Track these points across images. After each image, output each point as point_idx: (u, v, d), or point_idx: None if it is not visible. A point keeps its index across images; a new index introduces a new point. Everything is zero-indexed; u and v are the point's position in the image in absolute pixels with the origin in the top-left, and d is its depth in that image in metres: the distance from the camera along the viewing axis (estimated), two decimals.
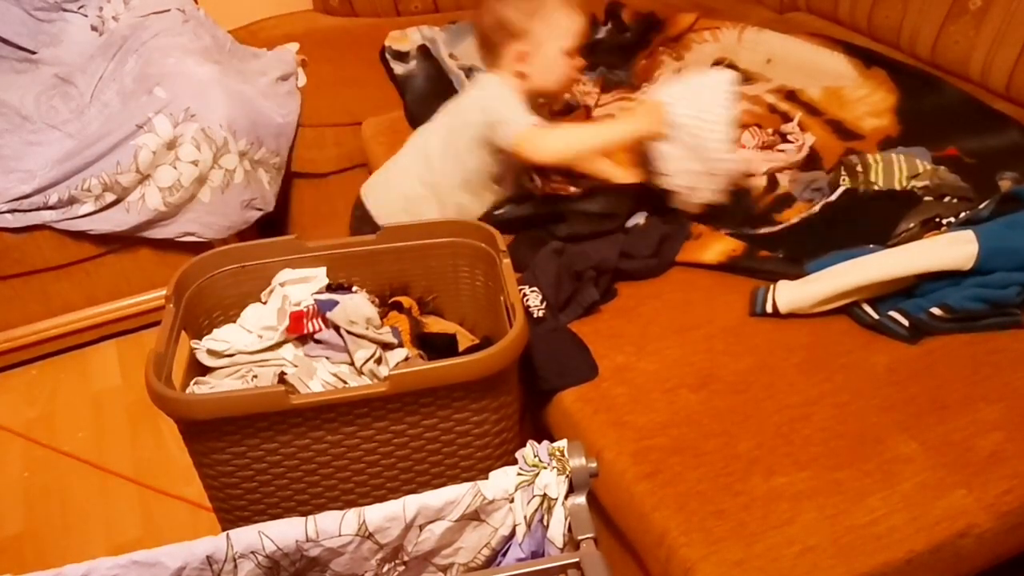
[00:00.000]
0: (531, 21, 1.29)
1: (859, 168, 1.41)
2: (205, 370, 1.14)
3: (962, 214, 1.28)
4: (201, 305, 1.16)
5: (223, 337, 1.14)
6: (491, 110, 1.29)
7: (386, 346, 1.11)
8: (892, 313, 1.15)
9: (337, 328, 1.11)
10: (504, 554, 0.90)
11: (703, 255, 1.29)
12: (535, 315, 1.19)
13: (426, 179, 1.38)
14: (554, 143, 1.28)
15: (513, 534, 0.87)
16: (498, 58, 1.34)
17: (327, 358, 1.10)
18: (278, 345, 1.13)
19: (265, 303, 1.19)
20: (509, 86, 1.32)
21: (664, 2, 2.14)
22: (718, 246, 1.29)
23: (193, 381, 1.10)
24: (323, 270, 1.20)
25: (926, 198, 1.33)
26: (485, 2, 1.33)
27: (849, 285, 1.15)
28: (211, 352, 1.13)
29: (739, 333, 1.17)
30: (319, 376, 1.07)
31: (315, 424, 1.00)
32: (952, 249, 1.15)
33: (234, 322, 1.19)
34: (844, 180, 1.42)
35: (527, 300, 1.19)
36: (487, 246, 1.20)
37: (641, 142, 1.32)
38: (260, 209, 1.82)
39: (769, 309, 1.18)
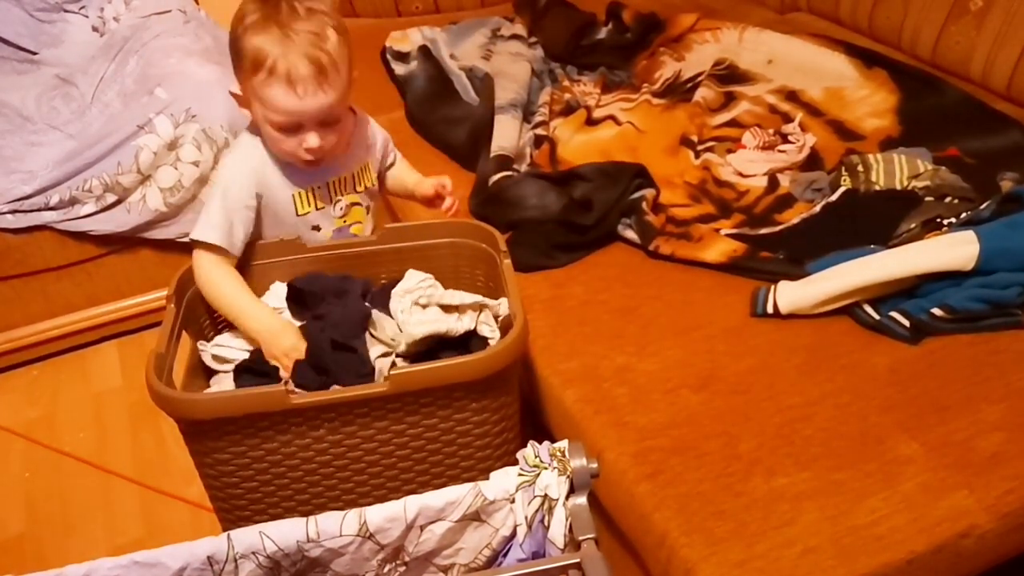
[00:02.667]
0: (238, 63, 1.06)
1: (860, 168, 1.41)
2: (212, 371, 1.15)
3: (963, 214, 1.28)
4: (202, 306, 1.16)
5: (228, 343, 1.14)
6: (211, 186, 1.15)
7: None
8: (893, 314, 1.15)
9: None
10: (505, 555, 0.90)
11: (704, 254, 1.29)
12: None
13: None
14: (207, 279, 1.10)
15: (514, 535, 0.87)
16: None
17: None
18: None
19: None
20: (259, 147, 1.12)
21: (665, 3, 2.14)
22: (719, 247, 1.29)
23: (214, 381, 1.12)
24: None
25: (927, 198, 1.33)
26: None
27: (850, 286, 1.15)
28: (216, 358, 1.13)
29: (740, 334, 1.17)
30: None
31: (315, 424, 1.00)
32: (953, 249, 1.15)
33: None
34: (845, 180, 1.42)
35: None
36: (487, 246, 1.20)
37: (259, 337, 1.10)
38: None
39: (770, 310, 1.18)
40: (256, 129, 1.13)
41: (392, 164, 1.33)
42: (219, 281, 1.11)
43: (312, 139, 1.06)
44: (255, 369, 1.09)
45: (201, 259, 1.11)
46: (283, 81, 1.02)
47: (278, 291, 1.18)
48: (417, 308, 1.10)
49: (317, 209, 1.17)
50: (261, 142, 1.13)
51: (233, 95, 1.10)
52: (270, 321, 1.10)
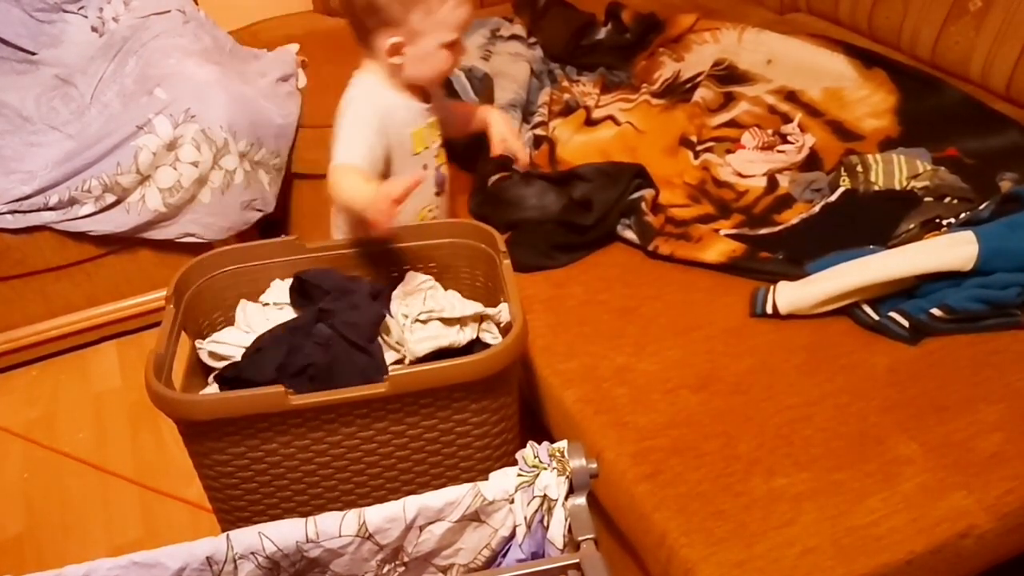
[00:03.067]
0: (408, 11, 1.16)
1: (859, 168, 1.41)
2: (210, 369, 1.14)
3: (962, 215, 1.28)
4: (201, 306, 1.16)
5: (224, 339, 1.14)
6: (339, 125, 1.23)
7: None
8: (892, 314, 1.15)
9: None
10: (504, 555, 0.90)
11: (703, 255, 1.29)
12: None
13: None
14: (338, 184, 1.16)
15: (513, 535, 0.87)
16: (370, 45, 1.21)
17: None
18: None
19: (266, 305, 1.19)
20: (379, 89, 1.24)
21: (664, 3, 2.13)
22: (718, 247, 1.29)
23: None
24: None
25: (926, 199, 1.33)
26: None
27: (849, 286, 1.15)
28: (213, 355, 1.13)
29: (740, 334, 1.17)
30: None
31: (315, 424, 1.00)
32: (952, 250, 1.15)
33: (234, 324, 1.19)
34: (844, 180, 1.42)
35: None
36: (487, 247, 1.20)
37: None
38: (260, 210, 1.82)
39: (769, 310, 1.18)
40: (383, 78, 1.23)
41: None
42: (343, 185, 1.15)
43: (464, 42, 1.23)
44: (237, 379, 1.08)
45: (335, 175, 1.17)
46: None
47: (278, 287, 1.18)
48: (418, 324, 1.10)
49: (426, 148, 1.27)
50: (383, 88, 1.24)
51: (393, 45, 1.18)
52: (368, 190, 1.12)
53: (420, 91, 1.27)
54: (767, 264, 1.26)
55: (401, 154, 1.25)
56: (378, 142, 1.21)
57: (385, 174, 1.23)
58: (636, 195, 1.39)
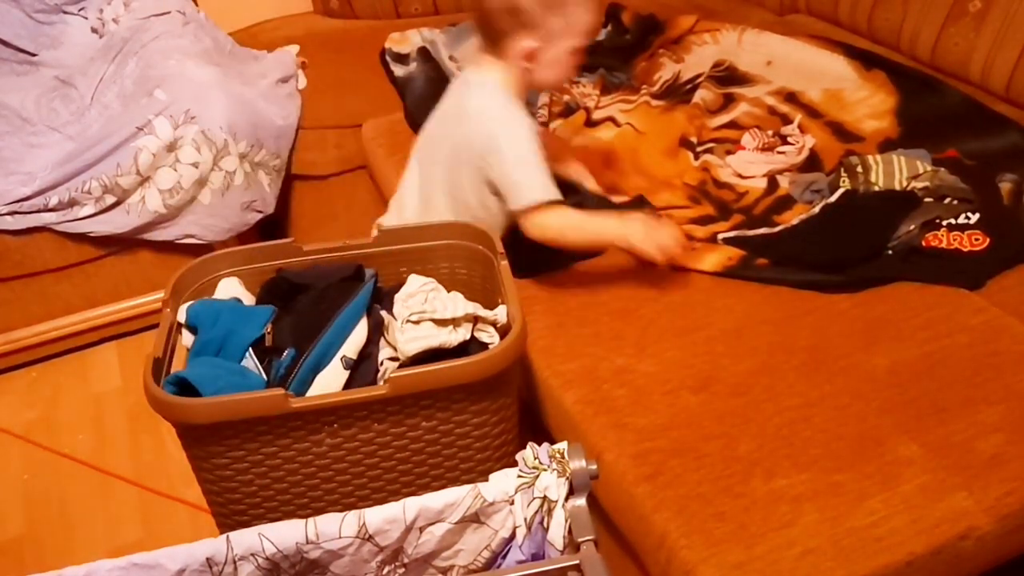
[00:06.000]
0: (549, 15, 1.17)
1: (859, 169, 1.41)
2: None
3: (961, 215, 1.28)
4: None
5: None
6: (510, 149, 1.19)
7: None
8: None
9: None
10: (504, 556, 0.90)
11: (699, 264, 1.29)
12: None
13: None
14: (565, 229, 1.20)
15: (513, 536, 0.87)
16: (502, 47, 1.20)
17: None
18: None
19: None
20: (509, 89, 1.22)
21: (664, 4, 2.14)
22: (713, 257, 1.29)
23: None
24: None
25: (926, 199, 1.33)
26: None
27: None
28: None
29: (739, 335, 1.17)
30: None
31: (315, 427, 0.99)
32: None
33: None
34: (844, 181, 1.41)
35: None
36: (485, 248, 1.20)
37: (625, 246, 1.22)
38: (260, 211, 1.82)
39: None
40: (508, 84, 1.22)
41: None
42: (580, 223, 1.21)
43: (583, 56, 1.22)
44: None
45: (548, 218, 1.19)
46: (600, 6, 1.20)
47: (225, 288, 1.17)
48: (410, 325, 1.10)
49: None
50: (509, 96, 1.22)
51: (530, 51, 1.18)
52: (623, 224, 1.20)
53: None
54: (762, 271, 1.26)
55: None
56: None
57: None
58: None
